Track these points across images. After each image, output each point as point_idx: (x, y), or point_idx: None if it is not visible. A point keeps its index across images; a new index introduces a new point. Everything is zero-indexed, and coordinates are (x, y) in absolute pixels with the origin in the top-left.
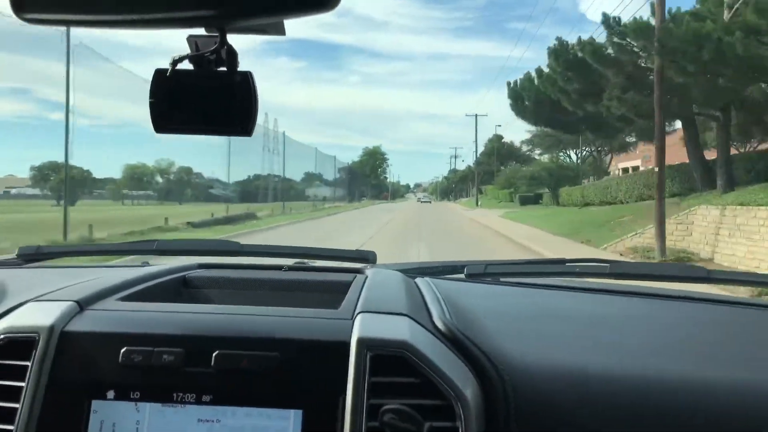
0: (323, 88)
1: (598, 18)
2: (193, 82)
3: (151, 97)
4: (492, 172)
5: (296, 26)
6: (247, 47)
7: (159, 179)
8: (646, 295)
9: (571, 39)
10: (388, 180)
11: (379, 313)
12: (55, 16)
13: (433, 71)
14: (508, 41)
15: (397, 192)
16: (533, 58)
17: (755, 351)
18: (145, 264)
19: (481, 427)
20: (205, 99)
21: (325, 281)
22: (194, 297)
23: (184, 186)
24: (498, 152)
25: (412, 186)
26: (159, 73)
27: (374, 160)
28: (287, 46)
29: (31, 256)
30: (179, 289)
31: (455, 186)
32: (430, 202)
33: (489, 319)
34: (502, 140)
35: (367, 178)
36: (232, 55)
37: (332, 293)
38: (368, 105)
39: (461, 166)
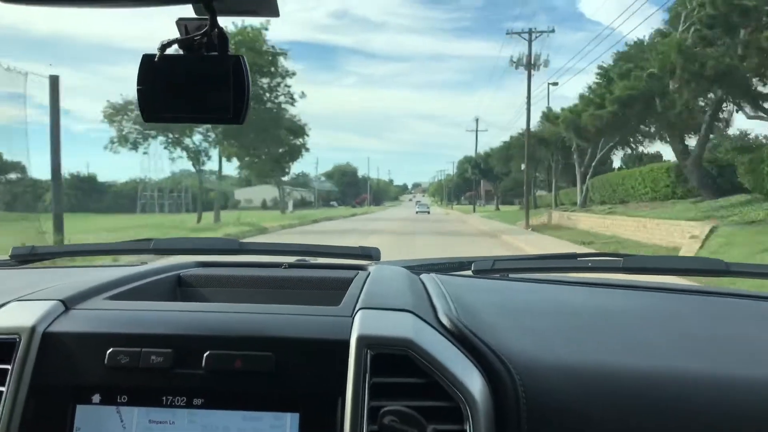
0: (321, 90)
1: (597, 16)
2: (182, 67)
3: (139, 84)
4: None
5: (293, 28)
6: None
7: None
8: (661, 289)
9: (570, 38)
10: (369, 179)
11: (380, 309)
12: None
13: (431, 71)
14: (507, 41)
15: (384, 194)
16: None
17: None
18: (143, 264)
19: (490, 430)
20: (195, 85)
21: (326, 278)
22: (189, 296)
23: None
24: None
25: (410, 186)
26: (147, 59)
27: (344, 175)
28: (284, 48)
29: (24, 257)
30: (173, 288)
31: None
32: (427, 211)
33: (498, 316)
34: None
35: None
36: (223, 38)
37: (333, 290)
38: (366, 106)
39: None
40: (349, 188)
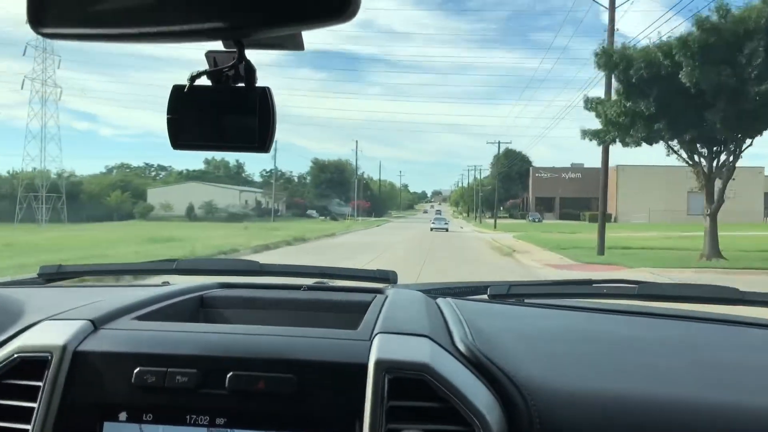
0: (345, 100)
1: (624, 28)
2: (211, 97)
3: (168, 113)
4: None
5: (317, 38)
6: (270, 60)
7: None
8: (676, 317)
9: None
10: (363, 175)
11: (398, 333)
12: (71, 31)
13: (455, 82)
14: (532, 52)
15: (390, 201)
16: (557, 69)
17: None
18: (166, 284)
19: None
20: (223, 115)
21: (344, 301)
22: (211, 317)
23: None
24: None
25: (429, 194)
26: (177, 89)
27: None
28: (309, 58)
29: (51, 276)
30: (196, 308)
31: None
32: (446, 228)
33: (513, 342)
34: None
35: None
36: (250, 70)
37: (351, 313)
38: (389, 116)
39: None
40: (336, 189)
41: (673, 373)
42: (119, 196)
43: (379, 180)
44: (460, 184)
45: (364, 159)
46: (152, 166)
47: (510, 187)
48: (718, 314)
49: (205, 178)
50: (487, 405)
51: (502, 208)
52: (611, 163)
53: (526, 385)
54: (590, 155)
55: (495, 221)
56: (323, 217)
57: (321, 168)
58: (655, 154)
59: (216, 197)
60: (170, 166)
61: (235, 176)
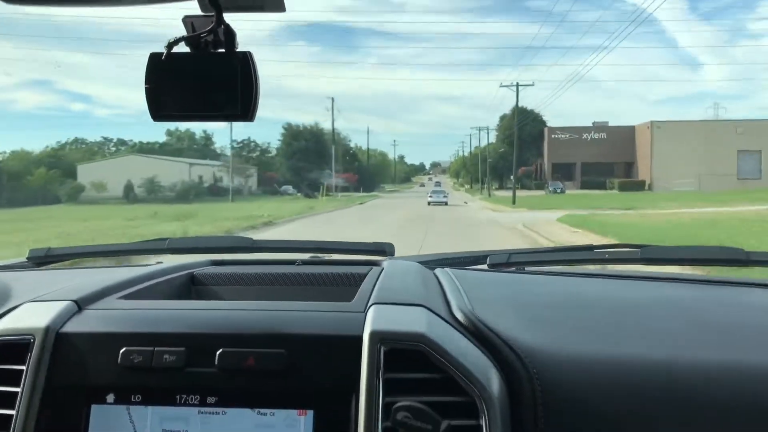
0: (340, 72)
1: None
2: (190, 65)
3: (146, 83)
4: None
5: (312, 9)
6: (266, 32)
7: None
8: (679, 280)
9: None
10: (351, 144)
11: (393, 304)
12: None
13: (452, 51)
14: (530, 19)
15: (383, 174)
16: (555, 36)
17: None
18: (160, 264)
19: (506, 425)
20: (203, 83)
21: (339, 274)
22: (202, 294)
23: None
24: None
25: (428, 166)
26: (154, 57)
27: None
28: (304, 30)
29: (41, 259)
30: (187, 286)
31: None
32: (445, 202)
33: (513, 309)
34: None
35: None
36: (230, 35)
37: (346, 286)
38: (386, 87)
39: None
40: (312, 160)
41: (674, 334)
42: (44, 174)
43: (368, 148)
44: (460, 153)
45: (354, 132)
46: (111, 140)
47: (520, 153)
48: (719, 276)
49: (155, 151)
50: (487, 374)
51: (512, 177)
52: (643, 119)
53: (526, 351)
54: (615, 111)
55: (514, 194)
56: (300, 194)
57: (294, 135)
58: (693, 108)
59: (160, 173)
60: (131, 140)
61: (203, 149)
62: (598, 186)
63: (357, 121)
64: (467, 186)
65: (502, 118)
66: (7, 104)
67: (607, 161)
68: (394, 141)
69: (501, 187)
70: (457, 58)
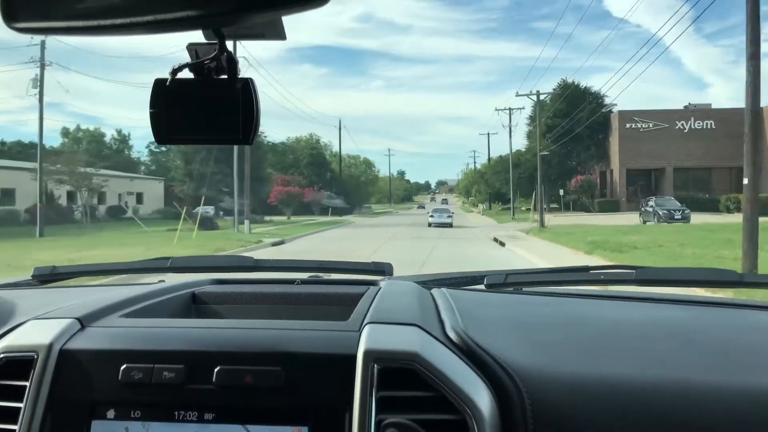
0: (347, 94)
1: (623, 14)
2: (193, 90)
3: (151, 107)
4: None
5: (318, 33)
6: (272, 56)
7: None
8: (674, 301)
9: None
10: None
11: (388, 323)
12: (45, 24)
13: (457, 73)
14: (534, 41)
15: (372, 190)
16: (559, 57)
17: None
18: (162, 282)
19: None
20: (206, 107)
21: (337, 294)
22: (203, 313)
23: None
24: None
25: (433, 185)
26: (159, 83)
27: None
28: (311, 53)
29: (45, 277)
30: (188, 305)
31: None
32: (450, 223)
33: (508, 329)
34: None
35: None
36: (232, 62)
37: (344, 305)
38: (392, 108)
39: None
40: (231, 164)
41: (669, 356)
42: None
43: (339, 153)
44: (470, 166)
45: (367, 153)
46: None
47: (569, 155)
48: (714, 297)
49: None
50: (479, 393)
51: (562, 192)
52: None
53: (519, 371)
54: (715, 93)
55: (542, 216)
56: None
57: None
58: None
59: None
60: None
61: (114, 155)
62: (702, 205)
63: (364, 141)
64: (483, 205)
65: (534, 104)
66: None
67: (716, 165)
68: (389, 149)
69: (535, 208)
70: (461, 79)
